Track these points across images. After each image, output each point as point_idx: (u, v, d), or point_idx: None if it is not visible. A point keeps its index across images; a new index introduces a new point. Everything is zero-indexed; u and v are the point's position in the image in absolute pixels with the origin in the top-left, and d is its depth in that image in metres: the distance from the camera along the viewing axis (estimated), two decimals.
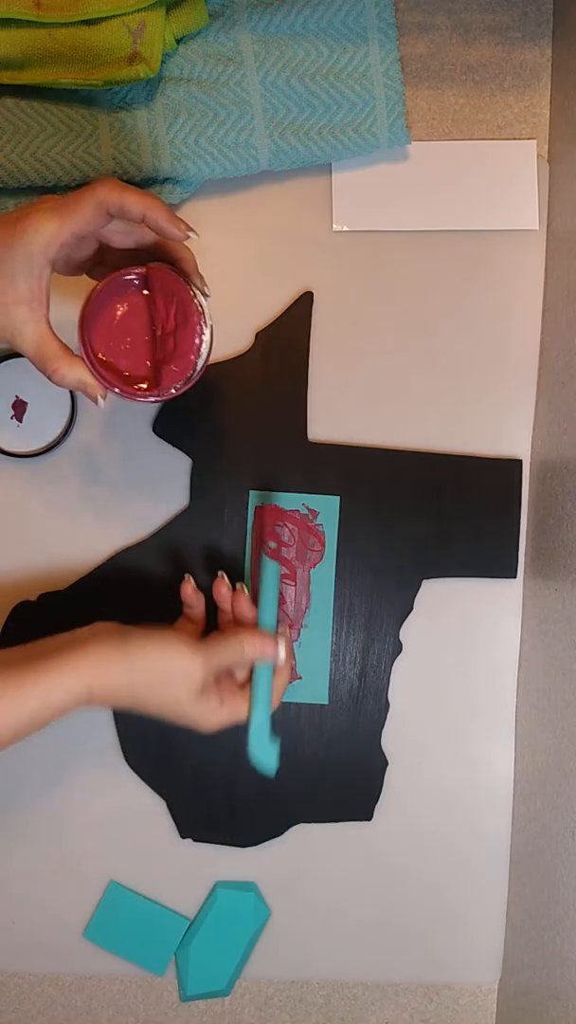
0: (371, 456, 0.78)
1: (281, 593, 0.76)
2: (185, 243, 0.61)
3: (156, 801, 0.79)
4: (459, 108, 0.78)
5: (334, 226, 0.78)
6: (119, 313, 0.63)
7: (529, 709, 0.77)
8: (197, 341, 0.61)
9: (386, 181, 0.78)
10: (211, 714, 0.65)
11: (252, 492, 0.78)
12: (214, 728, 0.65)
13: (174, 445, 0.78)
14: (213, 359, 0.77)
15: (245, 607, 0.69)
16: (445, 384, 0.79)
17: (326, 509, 0.78)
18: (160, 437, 0.78)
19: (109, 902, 0.79)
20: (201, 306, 0.61)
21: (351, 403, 0.78)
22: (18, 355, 0.75)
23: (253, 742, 0.65)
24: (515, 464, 0.78)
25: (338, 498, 0.78)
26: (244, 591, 0.69)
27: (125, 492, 0.78)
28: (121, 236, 0.61)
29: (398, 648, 0.78)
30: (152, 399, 0.62)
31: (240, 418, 0.77)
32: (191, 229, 0.58)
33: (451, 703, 0.79)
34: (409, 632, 0.79)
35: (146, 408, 0.78)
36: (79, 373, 0.60)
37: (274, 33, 0.74)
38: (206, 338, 0.62)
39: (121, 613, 0.77)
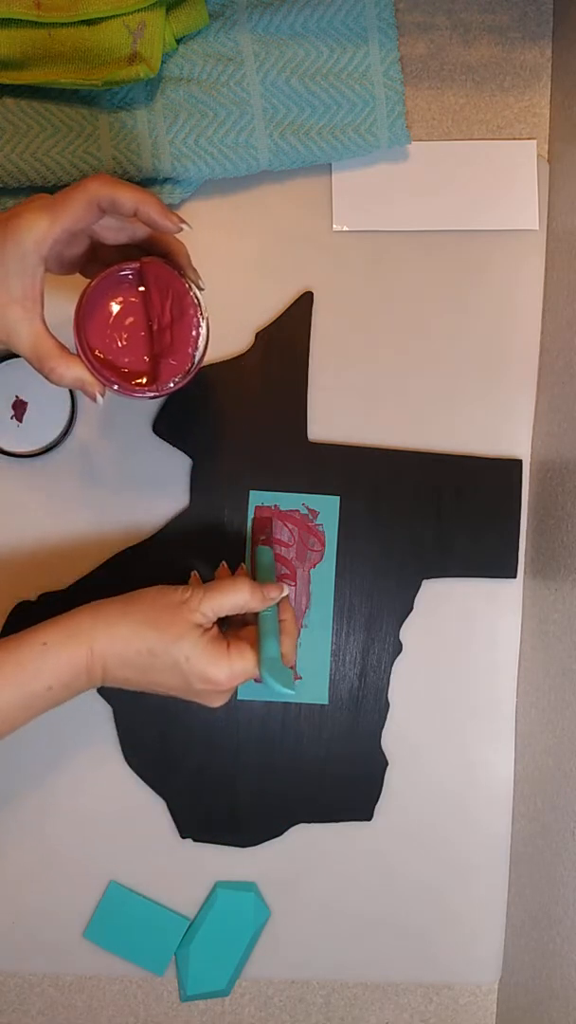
0: (371, 456, 0.78)
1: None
2: (178, 237, 0.60)
3: (156, 801, 0.79)
4: (459, 108, 0.78)
5: (334, 226, 0.78)
6: (114, 309, 0.62)
7: (529, 709, 0.77)
8: (194, 334, 0.61)
9: (386, 181, 0.78)
10: (220, 658, 0.62)
11: (252, 492, 0.78)
12: (225, 677, 0.62)
13: (174, 445, 0.78)
14: (213, 359, 0.77)
15: None
16: (445, 384, 0.79)
17: (326, 509, 0.78)
18: (160, 437, 0.78)
19: (109, 902, 0.79)
20: (197, 299, 0.61)
21: (351, 403, 0.78)
22: (18, 355, 0.75)
23: (266, 672, 0.62)
24: (515, 464, 0.78)
25: (338, 498, 0.78)
26: (244, 569, 0.72)
27: (125, 492, 0.78)
28: (113, 232, 0.60)
29: (398, 648, 0.78)
30: (151, 395, 0.61)
31: (240, 418, 0.77)
32: (184, 221, 0.58)
33: (451, 703, 0.79)
34: (409, 632, 0.79)
35: (146, 408, 0.78)
36: (77, 371, 0.59)
37: (274, 33, 0.74)
38: (203, 331, 0.61)
39: None
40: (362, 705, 0.78)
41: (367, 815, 0.79)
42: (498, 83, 0.78)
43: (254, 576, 0.73)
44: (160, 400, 0.77)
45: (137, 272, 0.61)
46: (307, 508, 0.78)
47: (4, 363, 0.76)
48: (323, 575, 0.78)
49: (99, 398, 0.60)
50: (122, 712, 0.78)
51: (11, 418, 0.76)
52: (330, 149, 0.76)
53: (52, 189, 0.75)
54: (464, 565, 0.78)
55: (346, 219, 0.78)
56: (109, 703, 0.78)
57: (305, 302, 0.77)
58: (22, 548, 0.78)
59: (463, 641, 0.79)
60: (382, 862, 0.80)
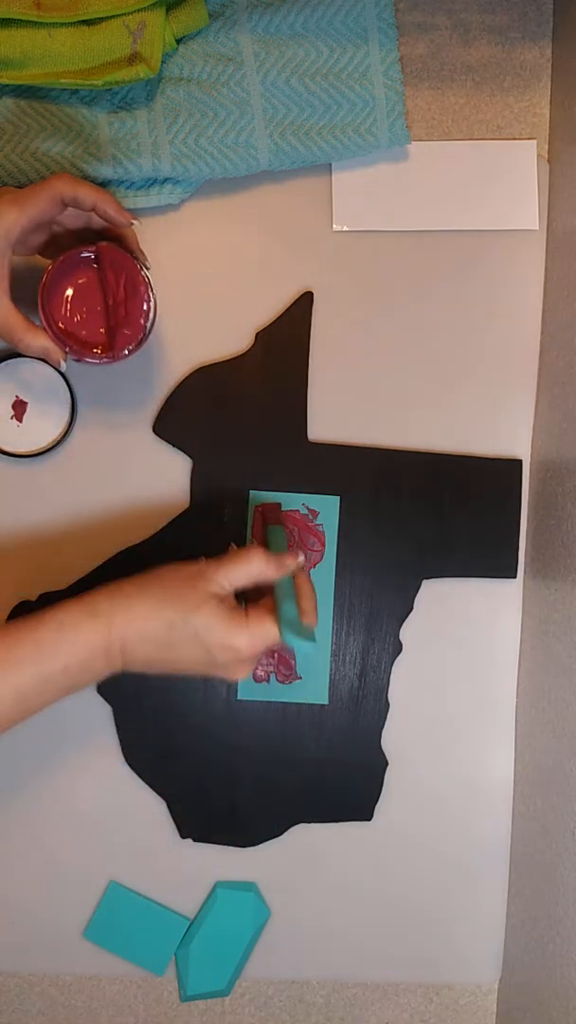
0: (371, 456, 0.78)
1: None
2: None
3: (156, 801, 0.79)
4: (459, 108, 0.78)
5: (334, 226, 0.78)
6: (74, 286, 0.70)
7: (529, 709, 0.77)
8: (145, 307, 0.69)
9: (386, 181, 0.78)
10: (240, 625, 0.62)
11: (252, 492, 0.78)
12: (246, 644, 0.62)
13: (174, 445, 0.78)
14: (213, 359, 0.77)
15: None
16: (445, 384, 0.79)
17: (326, 509, 0.78)
18: (160, 437, 0.78)
19: (109, 902, 0.79)
20: (147, 278, 0.69)
21: (351, 403, 0.78)
22: (18, 355, 0.75)
23: (286, 630, 0.62)
24: (515, 464, 0.78)
25: (338, 498, 0.78)
26: (255, 544, 0.74)
27: (125, 492, 0.78)
28: (72, 218, 0.69)
29: (398, 648, 0.78)
30: (106, 360, 0.69)
31: (240, 418, 0.78)
32: (135, 218, 0.67)
33: (451, 703, 0.79)
34: (409, 632, 0.79)
35: (146, 409, 0.78)
36: (42, 341, 0.67)
37: (274, 33, 0.74)
38: (152, 305, 0.70)
39: None
40: (362, 705, 0.78)
41: (367, 815, 0.79)
42: (498, 83, 0.78)
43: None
44: (160, 401, 0.78)
45: (94, 254, 0.69)
46: (307, 508, 0.78)
47: (4, 363, 0.76)
48: (323, 575, 0.78)
49: (62, 363, 0.69)
50: (122, 712, 0.78)
51: (11, 418, 0.76)
52: (330, 149, 0.76)
53: None
54: (464, 565, 0.78)
55: (346, 219, 0.78)
56: (109, 703, 0.78)
57: (305, 302, 0.77)
58: (22, 548, 0.78)
59: (463, 641, 0.79)
60: (382, 862, 0.80)
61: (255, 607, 0.64)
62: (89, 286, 0.70)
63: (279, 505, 0.78)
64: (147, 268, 0.70)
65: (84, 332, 0.71)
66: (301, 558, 0.66)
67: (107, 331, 0.71)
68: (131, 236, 0.69)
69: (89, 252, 0.69)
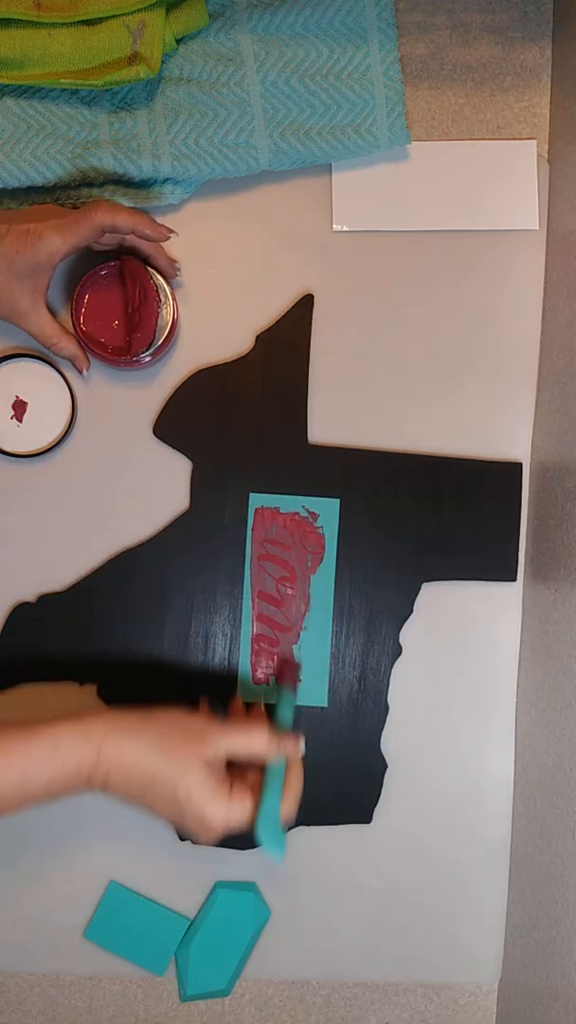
0: (371, 458, 0.78)
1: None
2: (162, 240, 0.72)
3: None
4: (459, 108, 0.78)
5: (334, 226, 0.78)
6: (101, 296, 0.75)
7: (529, 709, 0.77)
8: (156, 312, 0.73)
9: (386, 181, 0.78)
10: (220, 801, 0.62)
11: (252, 494, 0.78)
12: (219, 821, 0.62)
13: (174, 447, 0.78)
14: (214, 361, 0.77)
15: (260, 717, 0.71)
16: (445, 385, 0.79)
17: (326, 511, 0.78)
18: (160, 439, 0.78)
19: (109, 902, 0.79)
20: (157, 286, 0.74)
21: (351, 405, 0.78)
22: (18, 355, 0.75)
23: (261, 828, 0.62)
24: (515, 467, 0.78)
25: (338, 500, 0.78)
26: (259, 710, 0.73)
27: (125, 493, 0.78)
28: (108, 239, 0.73)
29: (398, 651, 0.78)
30: (123, 363, 0.75)
31: (240, 420, 0.77)
32: (172, 231, 0.72)
33: (451, 705, 0.79)
34: (409, 635, 0.79)
35: (146, 410, 0.78)
36: (73, 348, 0.74)
37: (274, 33, 0.74)
38: (162, 311, 0.74)
39: (120, 614, 0.77)
40: (361, 708, 0.78)
41: (366, 818, 0.79)
42: (498, 83, 0.78)
43: (271, 715, 0.72)
44: (160, 402, 0.78)
45: (118, 267, 0.74)
46: (307, 510, 0.78)
47: (4, 363, 0.76)
48: (323, 578, 0.78)
49: (85, 371, 0.76)
50: None
51: (11, 418, 0.76)
52: (330, 149, 0.75)
53: (52, 189, 0.75)
54: (464, 568, 0.78)
55: (346, 219, 0.78)
56: (109, 707, 0.78)
57: (305, 304, 0.77)
58: (22, 548, 0.78)
59: (463, 643, 0.79)
60: (382, 863, 0.80)
61: (240, 783, 0.64)
62: (114, 296, 0.75)
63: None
64: (175, 275, 0.76)
65: (109, 338, 0.75)
66: (302, 744, 0.66)
67: (128, 337, 0.74)
68: (157, 249, 0.74)
69: (114, 264, 0.74)
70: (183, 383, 0.78)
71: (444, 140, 0.78)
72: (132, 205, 0.75)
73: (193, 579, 0.78)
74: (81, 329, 0.74)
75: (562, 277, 0.75)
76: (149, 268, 0.74)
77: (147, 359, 0.75)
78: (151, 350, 0.74)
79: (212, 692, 0.77)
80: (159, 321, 0.74)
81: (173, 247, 0.77)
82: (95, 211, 0.69)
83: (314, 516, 0.78)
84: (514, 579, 0.79)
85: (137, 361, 0.75)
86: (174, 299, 0.75)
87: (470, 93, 0.78)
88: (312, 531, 0.78)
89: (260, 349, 0.77)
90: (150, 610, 0.78)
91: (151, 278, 0.73)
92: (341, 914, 0.80)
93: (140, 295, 0.73)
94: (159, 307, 0.74)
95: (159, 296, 0.74)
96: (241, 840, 0.79)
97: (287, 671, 0.77)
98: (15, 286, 0.70)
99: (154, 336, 0.74)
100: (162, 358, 0.78)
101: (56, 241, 0.69)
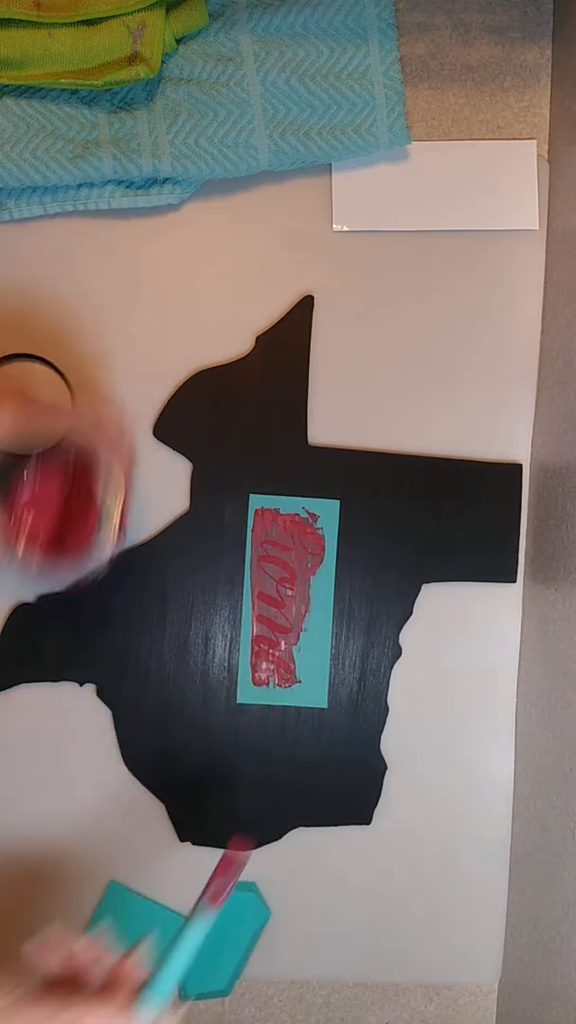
0: (371, 459, 0.78)
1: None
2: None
3: (156, 803, 0.79)
4: (459, 108, 0.78)
5: (334, 226, 0.78)
6: (43, 484, 0.64)
7: (529, 709, 0.77)
8: (91, 538, 0.63)
9: (386, 181, 0.78)
10: None
11: (252, 496, 0.78)
12: None
13: (174, 448, 0.78)
14: (215, 363, 0.77)
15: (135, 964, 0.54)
16: (445, 386, 0.79)
17: (326, 513, 0.78)
18: (160, 440, 0.78)
19: (109, 902, 0.79)
20: (107, 507, 0.62)
21: (351, 406, 0.78)
22: (18, 356, 0.75)
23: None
24: (515, 469, 0.78)
25: (338, 502, 0.78)
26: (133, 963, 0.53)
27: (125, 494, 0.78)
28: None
29: (398, 652, 0.78)
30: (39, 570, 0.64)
31: (240, 421, 0.77)
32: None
33: (451, 706, 0.79)
34: (409, 636, 0.79)
35: (147, 411, 0.78)
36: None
37: (274, 33, 0.74)
38: (102, 536, 0.62)
39: (120, 615, 0.77)
40: (361, 709, 0.78)
41: (366, 819, 0.79)
42: (498, 83, 0.78)
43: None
44: (160, 404, 0.78)
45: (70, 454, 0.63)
46: (307, 512, 0.78)
47: (4, 364, 0.76)
48: (323, 579, 0.78)
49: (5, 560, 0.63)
50: (121, 716, 0.78)
51: None
52: (330, 149, 0.75)
53: (52, 190, 0.75)
54: (464, 569, 0.78)
55: (346, 219, 0.78)
56: (109, 707, 0.78)
57: (305, 306, 0.77)
58: None
59: (463, 645, 0.79)
60: (382, 863, 0.80)
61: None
62: (54, 488, 0.65)
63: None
64: (123, 493, 0.64)
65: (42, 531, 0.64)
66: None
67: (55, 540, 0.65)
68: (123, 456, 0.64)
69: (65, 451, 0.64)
70: (183, 384, 0.77)
71: (444, 140, 0.78)
72: (132, 206, 0.75)
73: (193, 580, 0.78)
74: (20, 515, 0.63)
75: (562, 277, 0.75)
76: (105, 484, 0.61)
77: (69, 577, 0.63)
78: (86, 577, 0.63)
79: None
80: (92, 546, 0.61)
81: (173, 246, 0.77)
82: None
83: (314, 517, 0.78)
84: (514, 580, 0.79)
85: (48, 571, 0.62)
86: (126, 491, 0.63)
87: (470, 93, 0.78)
88: (312, 532, 0.78)
89: (260, 350, 0.77)
90: (150, 611, 0.78)
91: (100, 499, 0.61)
92: (341, 914, 0.80)
93: (82, 507, 0.62)
94: (98, 532, 0.62)
95: (98, 520, 0.62)
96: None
97: (228, 871, 0.58)
98: None
99: (86, 563, 0.61)
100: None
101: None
